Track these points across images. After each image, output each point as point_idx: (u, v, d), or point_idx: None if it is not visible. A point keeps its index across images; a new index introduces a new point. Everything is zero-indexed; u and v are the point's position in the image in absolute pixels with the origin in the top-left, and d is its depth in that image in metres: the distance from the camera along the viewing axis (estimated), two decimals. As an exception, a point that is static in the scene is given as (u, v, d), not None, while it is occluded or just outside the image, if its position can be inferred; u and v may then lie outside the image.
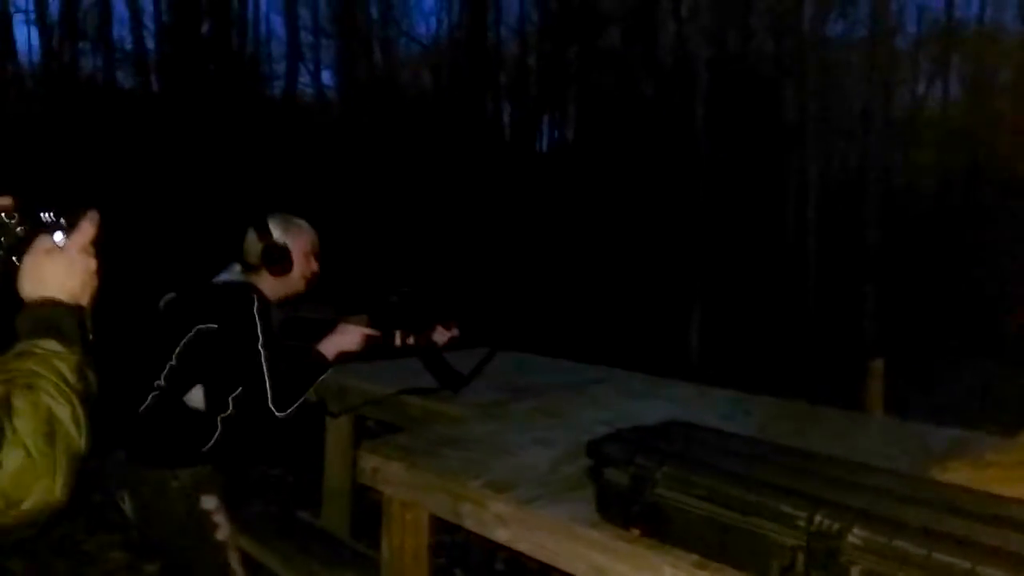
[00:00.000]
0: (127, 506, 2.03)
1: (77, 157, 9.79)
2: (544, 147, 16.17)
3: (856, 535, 1.09)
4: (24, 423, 0.77)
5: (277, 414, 1.96)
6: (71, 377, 0.84)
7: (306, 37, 14.54)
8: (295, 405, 1.99)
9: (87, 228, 0.97)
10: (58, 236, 0.95)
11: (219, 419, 2.02)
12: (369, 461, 1.75)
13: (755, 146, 9.76)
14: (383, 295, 2.16)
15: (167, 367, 2.01)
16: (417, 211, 11.16)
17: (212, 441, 2.01)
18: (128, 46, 12.83)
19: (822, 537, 1.11)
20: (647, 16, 13.28)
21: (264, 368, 1.94)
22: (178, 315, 2.04)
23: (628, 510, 1.32)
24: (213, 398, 2.00)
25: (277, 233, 2.09)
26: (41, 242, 0.94)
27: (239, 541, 2.17)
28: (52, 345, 0.85)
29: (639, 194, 11.11)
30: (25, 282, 0.92)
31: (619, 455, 1.35)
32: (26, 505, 0.76)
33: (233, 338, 1.96)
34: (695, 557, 1.25)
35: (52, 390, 0.82)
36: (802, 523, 1.13)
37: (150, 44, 12.83)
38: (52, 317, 0.89)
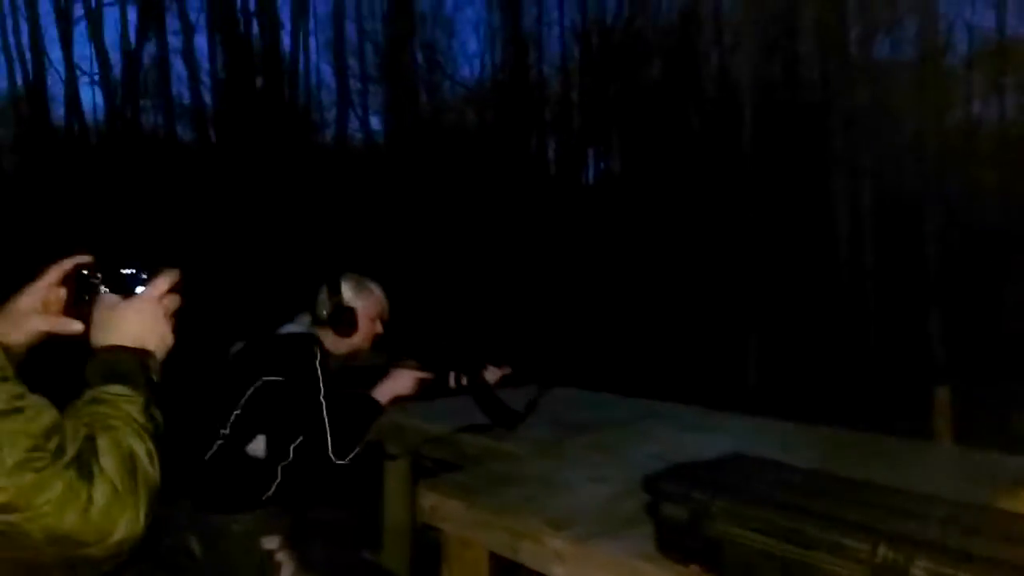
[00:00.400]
0: (195, 551, 2.10)
1: (142, 210, 10.20)
2: (590, 180, 16.26)
3: (920, 567, 1.07)
4: (109, 461, 0.83)
5: (337, 462, 2.02)
6: (140, 417, 0.91)
7: (354, 84, 14.98)
8: (354, 452, 2.05)
9: (160, 282, 1.04)
10: (139, 289, 1.02)
11: (279, 468, 2.08)
12: (428, 499, 1.78)
13: (805, 172, 9.66)
14: (433, 338, 2.21)
15: (232, 416, 2.08)
16: (465, 249, 11.29)
17: (272, 489, 2.08)
18: (186, 101, 13.36)
19: (886, 570, 1.10)
20: (689, 47, 13.33)
21: (325, 418, 2.00)
22: (245, 365, 2.12)
23: (687, 546, 1.32)
24: (275, 447, 2.07)
25: (348, 295, 2.19)
26: (110, 296, 1.01)
27: (306, 578, 2.21)
28: (119, 389, 0.92)
29: (689, 224, 11.06)
30: (93, 332, 1.00)
31: (676, 490, 1.35)
32: (115, 538, 0.81)
33: (297, 389, 2.03)
34: (757, 593, 1.24)
35: (128, 429, 0.88)
36: (865, 556, 1.12)
37: (207, 98, 13.33)
38: (115, 362, 0.96)
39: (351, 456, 2.04)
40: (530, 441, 2.21)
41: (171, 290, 1.05)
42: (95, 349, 0.98)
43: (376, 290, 2.26)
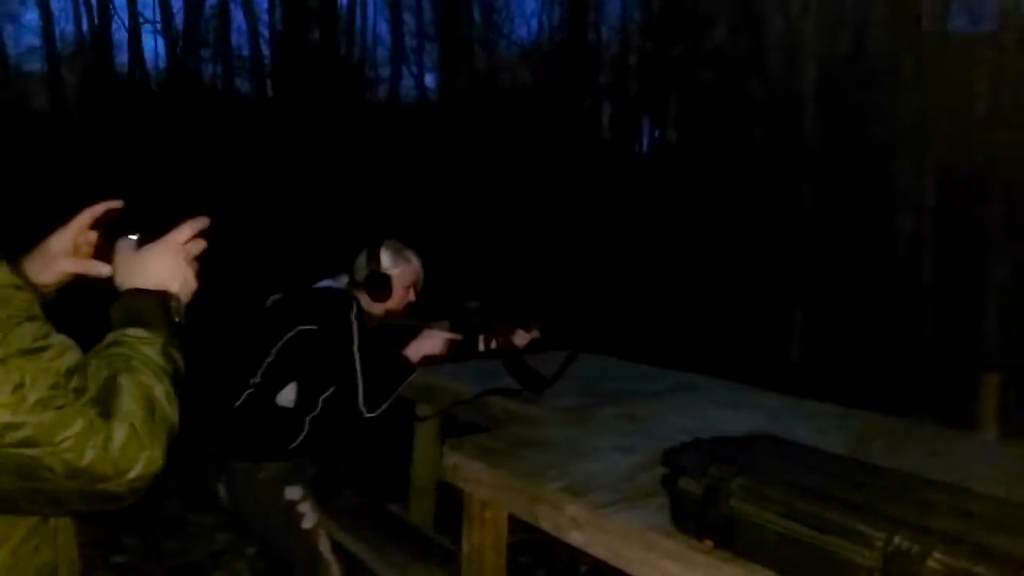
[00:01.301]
0: (222, 495, 2.17)
1: (198, 160, 10.39)
2: (644, 148, 16.01)
3: (937, 559, 1.05)
4: (128, 401, 0.86)
5: (366, 414, 2.06)
6: (159, 359, 0.93)
7: (410, 42, 14.92)
8: (383, 406, 2.09)
9: (186, 226, 1.06)
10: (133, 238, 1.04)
11: (307, 419, 2.13)
12: (451, 459, 1.80)
13: (868, 147, 9.34)
14: (463, 300, 2.23)
15: (264, 364, 2.14)
16: (512, 211, 11.26)
17: (299, 440, 2.13)
18: (245, 52, 13.49)
19: (900, 560, 1.08)
20: (754, 13, 12.91)
21: (358, 370, 2.04)
22: (281, 315, 2.17)
23: (702, 521, 1.31)
24: (304, 397, 2.12)
25: (386, 262, 2.22)
26: (135, 240, 1.04)
27: (331, 529, 2.27)
28: (138, 332, 0.95)
29: (742, 197, 10.83)
30: (118, 274, 1.03)
31: (694, 464, 1.34)
32: (132, 474, 0.83)
33: (330, 339, 2.07)
34: (769, 573, 1.23)
35: (147, 370, 0.90)
36: (880, 544, 1.10)
37: (265, 51, 13.44)
38: (136, 306, 0.98)
39: (380, 410, 2.08)
40: (558, 408, 2.22)
41: (197, 235, 1.07)
42: (119, 292, 1.01)
43: (413, 259, 2.28)
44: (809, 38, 10.78)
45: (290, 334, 2.12)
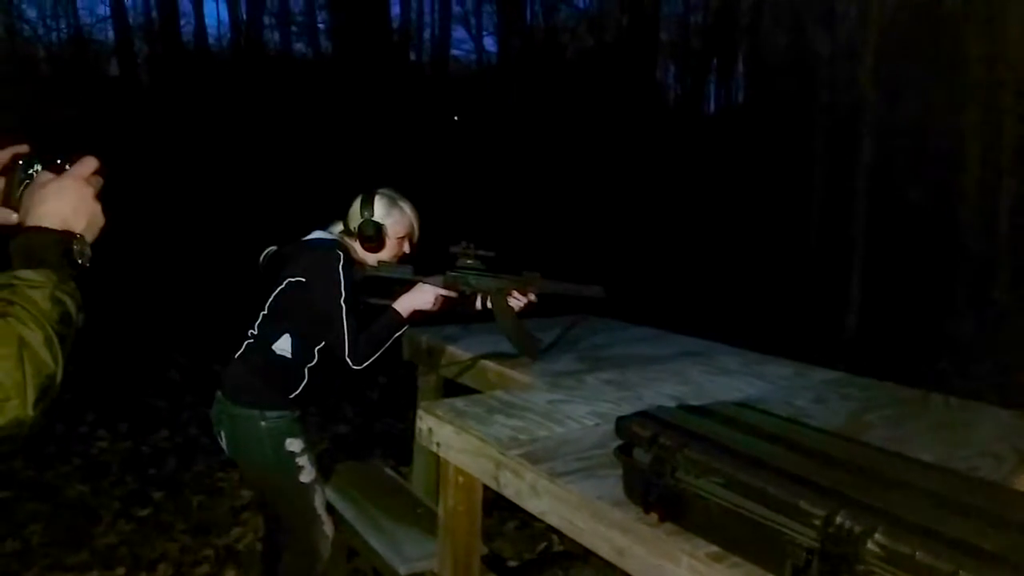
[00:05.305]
0: (223, 442, 2.20)
1: (260, 124, 10.56)
2: (711, 110, 15.57)
3: (877, 541, 0.96)
4: None
5: (353, 366, 2.05)
6: (44, 304, 0.89)
7: (469, 3, 14.76)
8: (371, 359, 2.07)
9: (87, 162, 1.02)
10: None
11: (306, 369, 2.13)
12: (426, 422, 1.77)
13: (937, 107, 8.84)
14: (460, 256, 2.18)
15: (260, 316, 2.16)
16: (573, 177, 11.11)
17: (299, 389, 2.13)
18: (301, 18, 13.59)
19: (839, 540, 0.99)
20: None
21: (344, 322, 2.03)
22: (273, 268, 2.18)
23: (648, 493, 1.25)
24: (299, 348, 2.12)
25: (380, 211, 2.19)
26: (40, 177, 1.01)
27: (324, 488, 2.28)
28: (28, 275, 0.91)
29: (808, 161, 10.41)
30: (22, 215, 0.99)
31: (644, 434, 1.27)
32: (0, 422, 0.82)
33: (317, 291, 2.06)
34: (713, 548, 1.16)
35: (24, 317, 0.87)
36: (818, 522, 1.01)
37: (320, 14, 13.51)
38: (34, 245, 0.94)
39: (367, 363, 2.07)
40: (552, 373, 2.16)
41: (95, 172, 1.03)
42: (20, 230, 0.97)
43: (408, 210, 2.24)
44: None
45: (281, 286, 2.13)
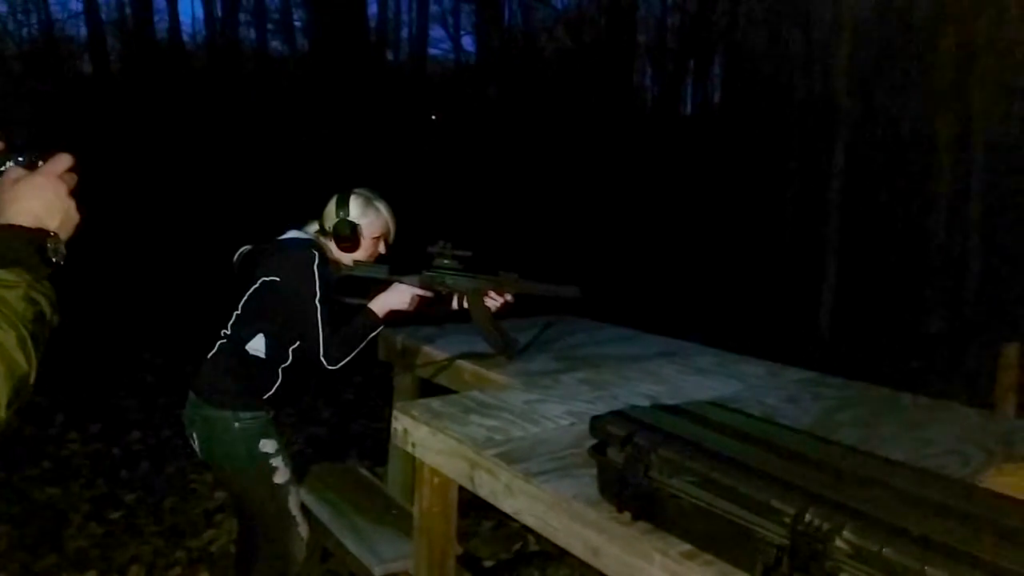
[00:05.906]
0: (196, 444, 2.17)
1: (233, 120, 10.46)
2: (688, 111, 15.66)
3: (845, 538, 0.98)
4: None
5: (328, 367, 2.04)
6: (18, 304, 0.88)
7: (447, 2, 14.74)
8: (346, 360, 2.06)
9: (60, 159, 1.00)
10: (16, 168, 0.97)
11: (280, 369, 2.12)
12: (400, 422, 1.77)
13: (911, 108, 8.96)
14: (437, 256, 2.17)
15: (233, 316, 2.14)
16: (551, 177, 11.13)
17: (273, 390, 2.12)
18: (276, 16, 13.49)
19: (808, 538, 1.00)
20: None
21: (318, 322, 2.01)
22: (247, 267, 2.16)
23: (622, 492, 1.25)
24: (273, 348, 2.10)
25: (355, 212, 2.18)
26: (12, 174, 0.98)
27: (299, 489, 2.26)
28: (0, 274, 0.89)
29: (783, 162, 10.51)
30: None
31: (618, 433, 1.28)
32: None
33: (292, 291, 2.05)
34: (686, 546, 1.16)
35: None
36: (788, 520, 1.03)
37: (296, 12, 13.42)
38: (7, 244, 0.92)
39: (342, 363, 2.06)
40: (527, 372, 2.16)
41: (69, 169, 1.01)
42: None
43: (383, 210, 2.23)
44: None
45: (255, 286, 2.12)
